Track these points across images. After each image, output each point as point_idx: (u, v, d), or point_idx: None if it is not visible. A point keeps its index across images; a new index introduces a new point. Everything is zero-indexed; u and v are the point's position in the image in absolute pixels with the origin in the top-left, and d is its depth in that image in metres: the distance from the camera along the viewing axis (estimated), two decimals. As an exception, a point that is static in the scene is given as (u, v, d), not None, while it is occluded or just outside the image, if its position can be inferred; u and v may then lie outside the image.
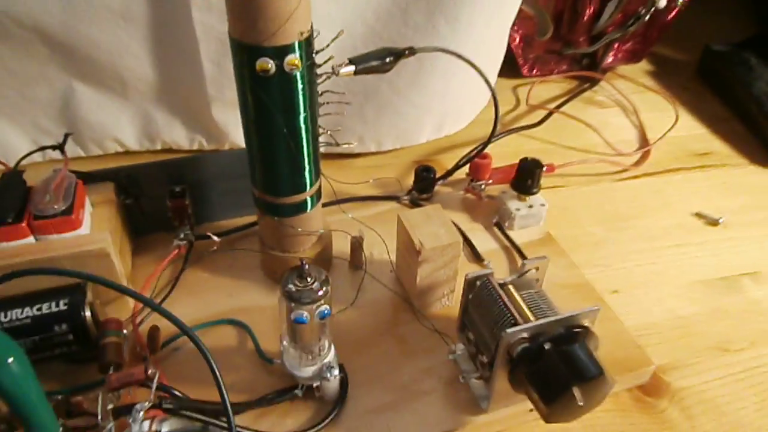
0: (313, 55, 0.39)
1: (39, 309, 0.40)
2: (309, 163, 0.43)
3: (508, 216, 0.57)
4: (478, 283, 0.41)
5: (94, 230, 0.44)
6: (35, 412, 0.29)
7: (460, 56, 0.50)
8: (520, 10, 0.68)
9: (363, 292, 0.49)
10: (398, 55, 0.45)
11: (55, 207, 0.42)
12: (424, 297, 0.47)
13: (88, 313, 0.40)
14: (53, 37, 0.54)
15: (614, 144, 0.74)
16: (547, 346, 0.35)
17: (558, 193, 0.65)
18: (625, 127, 0.79)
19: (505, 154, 0.66)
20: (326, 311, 0.37)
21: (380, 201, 0.60)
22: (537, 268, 0.42)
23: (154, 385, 0.35)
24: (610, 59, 0.88)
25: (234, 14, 0.36)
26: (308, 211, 0.46)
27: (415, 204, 0.60)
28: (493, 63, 0.70)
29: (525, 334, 0.36)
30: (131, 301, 0.45)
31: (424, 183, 0.60)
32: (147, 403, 0.33)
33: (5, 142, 0.61)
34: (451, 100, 0.67)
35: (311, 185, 0.45)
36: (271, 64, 0.36)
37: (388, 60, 0.44)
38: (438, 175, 0.60)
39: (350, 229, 0.52)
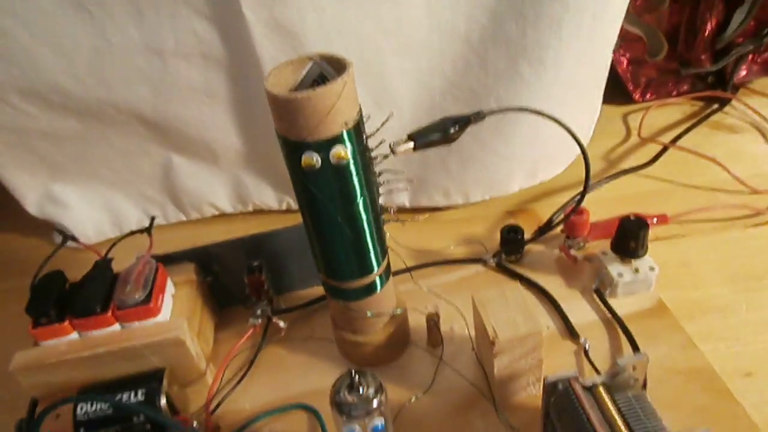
0: (365, 139, 0.37)
1: (120, 398, 0.41)
2: (372, 245, 0.41)
3: (610, 282, 0.50)
4: (559, 386, 0.36)
5: (174, 314, 0.46)
6: None
7: (538, 112, 0.45)
8: (625, 32, 0.61)
9: (440, 375, 0.46)
10: (463, 123, 0.41)
11: (136, 296, 0.44)
12: (505, 387, 0.43)
13: (163, 402, 0.41)
14: (148, 117, 0.58)
15: (747, 179, 0.62)
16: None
17: (676, 245, 0.56)
18: (763, 155, 0.67)
19: (611, 199, 0.58)
20: (380, 426, 0.34)
21: (464, 264, 0.56)
22: (634, 368, 0.36)
23: None
24: (743, 73, 0.76)
25: (275, 113, 0.35)
26: (378, 291, 0.44)
27: (501, 267, 0.55)
28: (588, 102, 0.63)
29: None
30: (210, 378, 0.46)
31: (511, 246, 0.55)
32: None
33: (118, 210, 0.67)
34: (542, 147, 0.61)
35: (377, 266, 0.42)
36: (316, 159, 0.35)
37: (452, 131, 0.40)
38: (528, 236, 0.56)
39: (427, 302, 0.49)
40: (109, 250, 0.50)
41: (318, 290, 0.53)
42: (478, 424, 0.42)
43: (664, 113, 0.76)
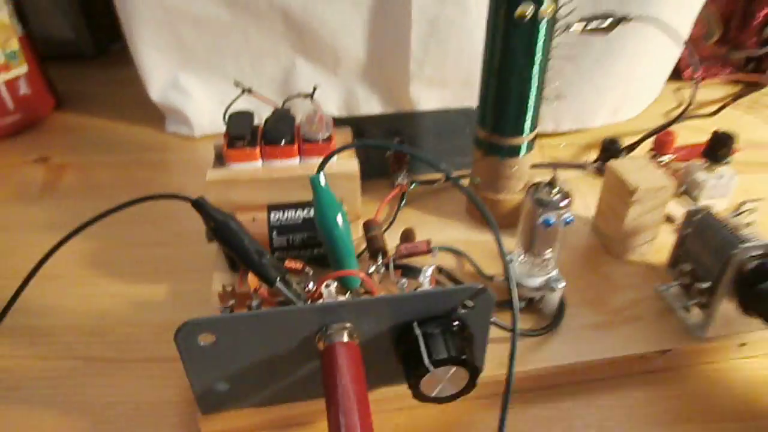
0: (558, 8, 0.46)
1: (309, 213, 0.47)
2: (533, 109, 0.50)
3: (697, 186, 0.59)
4: (698, 216, 0.45)
5: (343, 159, 0.50)
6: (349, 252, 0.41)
7: (669, 28, 0.56)
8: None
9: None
10: (617, 20, 0.53)
11: (319, 135, 0.50)
12: (626, 241, 0.51)
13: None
14: (292, 15, 0.65)
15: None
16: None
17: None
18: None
19: (683, 136, 0.65)
20: (570, 218, 0.42)
21: (567, 168, 0.66)
22: (751, 211, 0.46)
23: (436, 254, 0.44)
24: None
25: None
26: (522, 156, 0.53)
27: (599, 171, 0.65)
28: (672, 53, 0.75)
29: (758, 251, 0.39)
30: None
31: (611, 153, 0.64)
32: (432, 266, 0.40)
33: (234, 107, 0.62)
34: (629, 85, 0.71)
35: (530, 131, 0.52)
36: (530, 10, 0.44)
37: (608, 22, 0.52)
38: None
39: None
40: (285, 101, 0.56)
41: (437, 176, 0.61)
42: (604, 270, 0.51)
43: (707, 91, 0.86)
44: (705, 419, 0.41)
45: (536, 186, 0.43)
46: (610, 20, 0.53)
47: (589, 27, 0.51)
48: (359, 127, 0.58)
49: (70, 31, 0.90)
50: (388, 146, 0.51)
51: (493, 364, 0.39)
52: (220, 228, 0.37)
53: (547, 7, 0.44)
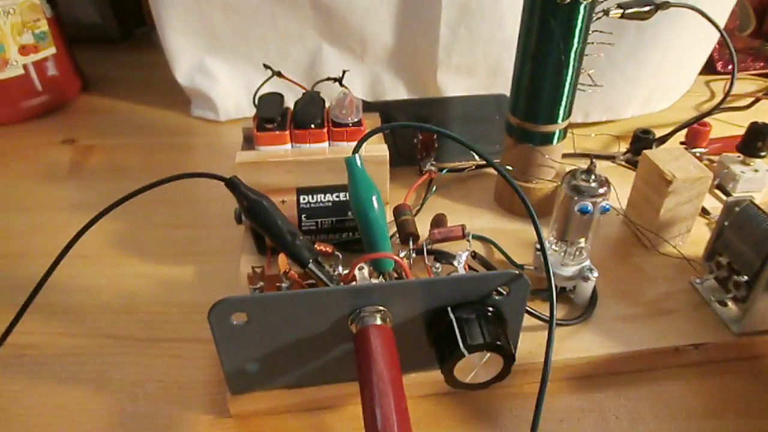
0: None
1: (338, 197, 0.47)
2: (568, 96, 0.49)
3: (732, 178, 0.58)
4: (737, 208, 0.43)
5: (372, 144, 0.49)
6: (383, 235, 0.39)
7: (707, 16, 0.55)
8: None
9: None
10: (656, 7, 0.51)
11: (349, 119, 0.49)
12: (660, 233, 0.49)
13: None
14: (320, 0, 0.64)
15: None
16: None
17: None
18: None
19: (717, 129, 0.65)
20: (607, 206, 0.41)
21: (598, 159, 0.59)
22: None
23: (470, 239, 0.44)
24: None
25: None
26: (554, 143, 0.51)
27: (631, 164, 0.63)
28: (705, 45, 0.72)
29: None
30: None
31: (643, 144, 0.62)
32: (466, 251, 0.40)
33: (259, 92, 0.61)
34: (662, 76, 0.69)
35: (564, 118, 0.50)
36: None
37: (647, 9, 0.50)
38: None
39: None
40: (315, 85, 0.56)
41: (465, 164, 0.60)
42: (637, 261, 0.50)
43: (740, 84, 0.83)
44: (739, 415, 0.40)
45: (573, 173, 0.42)
46: (649, 7, 0.51)
47: (628, 12, 0.49)
48: (386, 112, 0.57)
49: (96, 15, 0.90)
50: (428, 128, 0.48)
51: (523, 353, 0.39)
52: (254, 207, 0.37)
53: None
